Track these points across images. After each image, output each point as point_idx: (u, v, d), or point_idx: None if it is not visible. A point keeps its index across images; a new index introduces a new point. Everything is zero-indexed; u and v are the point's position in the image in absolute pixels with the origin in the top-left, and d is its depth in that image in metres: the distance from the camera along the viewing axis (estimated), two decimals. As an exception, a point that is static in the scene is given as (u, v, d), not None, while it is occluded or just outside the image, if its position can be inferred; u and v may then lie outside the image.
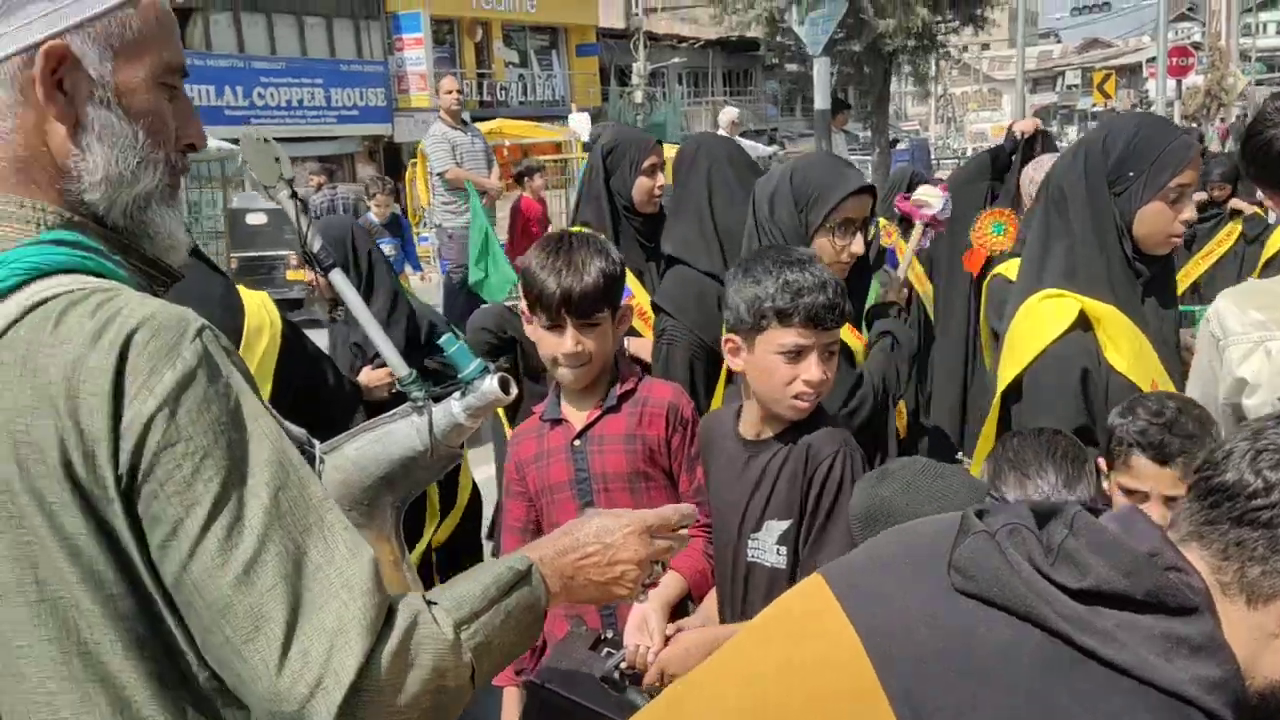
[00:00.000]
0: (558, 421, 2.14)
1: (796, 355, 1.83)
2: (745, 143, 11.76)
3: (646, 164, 3.27)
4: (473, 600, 1.06)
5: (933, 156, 30.04)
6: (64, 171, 1.07)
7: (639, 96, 31.65)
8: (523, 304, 2.15)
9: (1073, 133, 61.94)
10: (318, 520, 0.99)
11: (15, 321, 0.96)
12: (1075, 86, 72.49)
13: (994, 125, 58.80)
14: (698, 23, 37.92)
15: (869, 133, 15.08)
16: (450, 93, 7.83)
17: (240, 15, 23.90)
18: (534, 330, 2.13)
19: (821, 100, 12.14)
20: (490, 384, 1.41)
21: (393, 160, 27.00)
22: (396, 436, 1.40)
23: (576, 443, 2.11)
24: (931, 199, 2.87)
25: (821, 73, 12.18)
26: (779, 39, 14.47)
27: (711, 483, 1.99)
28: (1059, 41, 73.72)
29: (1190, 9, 53.96)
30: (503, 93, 29.11)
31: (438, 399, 1.42)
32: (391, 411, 1.46)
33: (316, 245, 1.58)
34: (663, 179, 3.34)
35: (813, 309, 1.82)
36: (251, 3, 23.95)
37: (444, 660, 0.99)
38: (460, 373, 1.39)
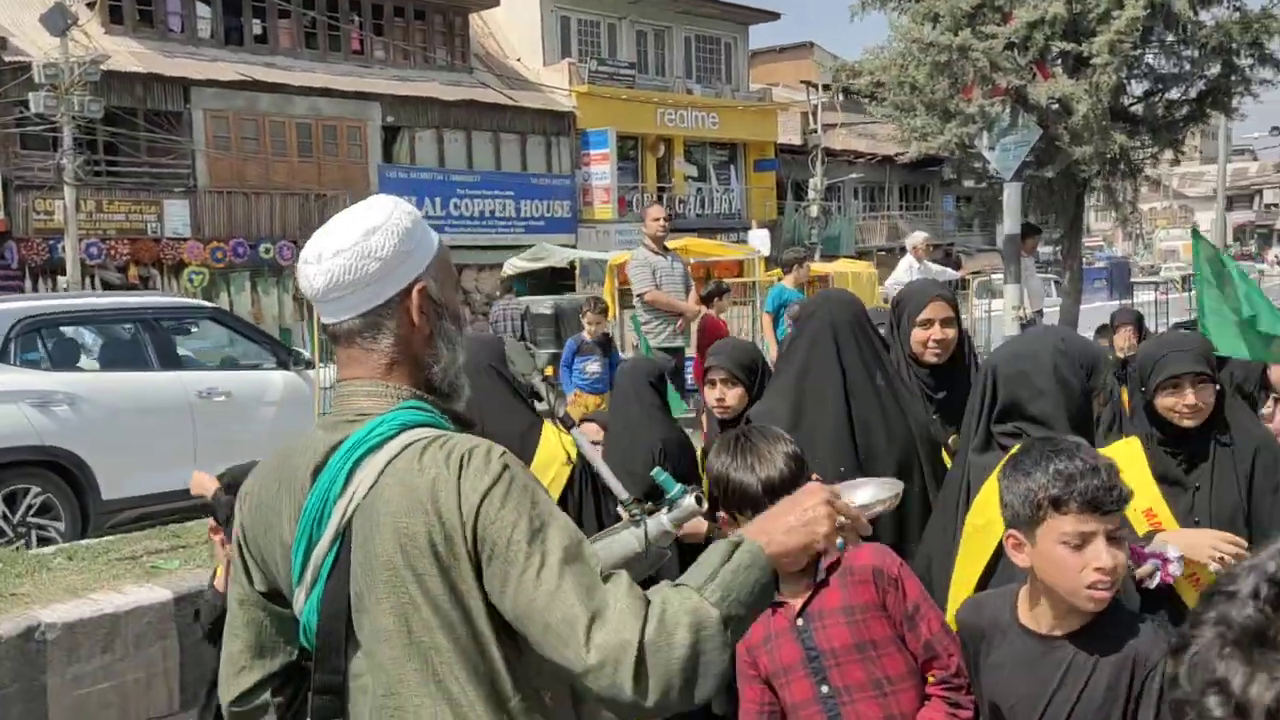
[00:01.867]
0: (778, 604, 2.15)
1: (1081, 543, 1.85)
2: (934, 267, 11.69)
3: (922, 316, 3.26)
4: (704, 573, 1.42)
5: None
6: (420, 363, 1.58)
7: (814, 210, 31.98)
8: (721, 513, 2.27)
9: (1271, 253, 58.79)
10: (594, 563, 1.42)
11: (395, 457, 1.46)
12: (1274, 206, 69.03)
13: (1184, 243, 56.52)
14: (875, 138, 38.20)
15: (1058, 255, 14.77)
16: (658, 220, 8.14)
17: (443, 133, 25.59)
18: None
19: (1011, 225, 11.97)
20: (689, 500, 1.74)
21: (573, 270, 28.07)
22: (621, 540, 1.78)
23: (799, 621, 2.15)
24: (1171, 555, 2.56)
25: (1012, 198, 12.04)
26: (957, 154, 14.38)
27: (987, 673, 2.01)
28: (1255, 159, 70.63)
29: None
30: (681, 205, 29.90)
31: (650, 513, 1.78)
32: (614, 525, 1.86)
33: (561, 411, 1.98)
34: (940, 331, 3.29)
35: (1088, 492, 1.85)
36: (452, 121, 25.61)
37: (697, 615, 1.36)
38: (667, 493, 1.74)
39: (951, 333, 3.24)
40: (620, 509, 1.79)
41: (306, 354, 8.63)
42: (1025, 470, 1.91)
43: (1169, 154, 14.55)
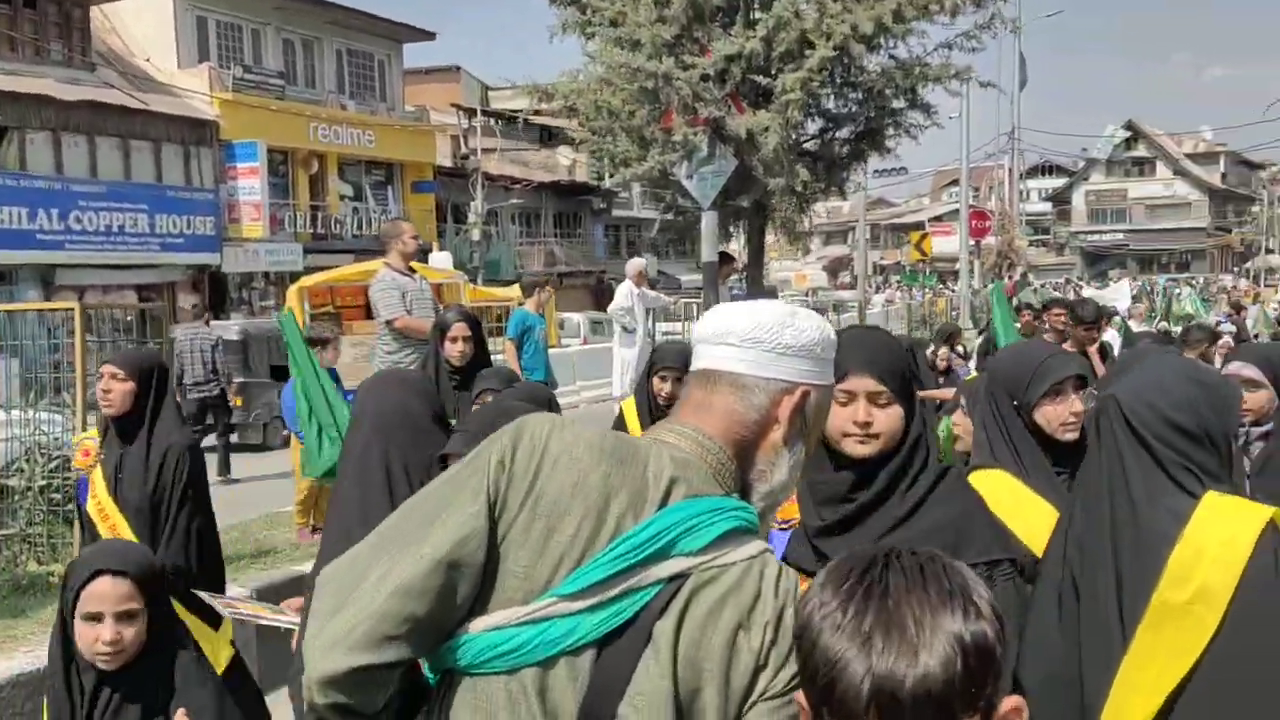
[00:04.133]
0: None
1: None
2: (650, 293, 11.70)
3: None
4: None
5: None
6: (756, 462, 1.44)
7: (476, 235, 31.61)
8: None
9: (866, 283, 66.36)
10: None
11: (754, 557, 1.32)
12: (866, 240, 78.02)
13: (795, 273, 62.30)
14: (527, 165, 38.59)
15: (743, 282, 15.43)
16: (415, 238, 7.36)
17: (60, 136, 22.41)
18: None
19: (709, 253, 12.33)
20: None
21: (218, 290, 25.64)
22: None
23: None
24: None
25: (709, 227, 12.39)
26: (604, 185, 14.66)
27: None
28: (844, 199, 79.56)
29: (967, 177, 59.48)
30: (337, 226, 28.38)
31: None
32: None
33: None
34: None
35: None
36: (72, 124, 22.51)
37: None
38: None
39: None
40: None
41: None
42: None
43: (835, 190, 15.68)
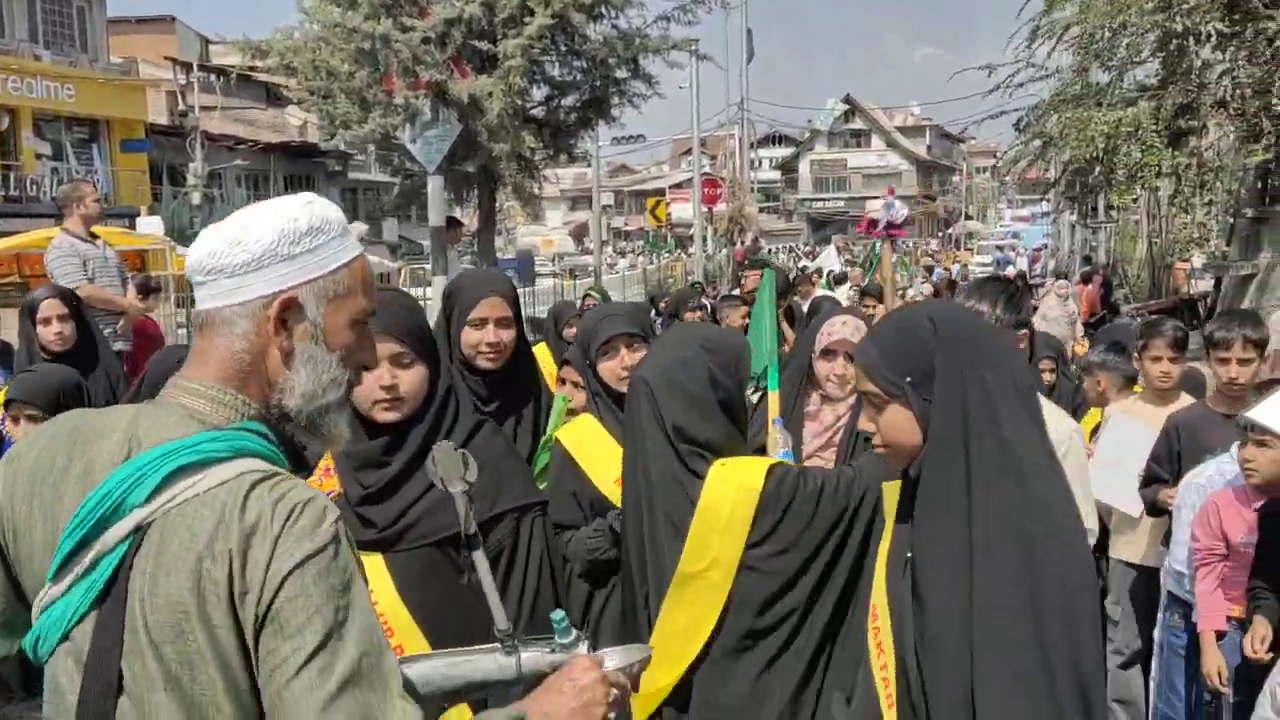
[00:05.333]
0: None
1: None
2: (371, 259, 11.51)
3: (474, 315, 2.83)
4: None
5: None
6: (273, 384, 1.43)
7: (196, 198, 29.71)
8: None
9: (609, 248, 67.51)
10: (383, 684, 1.28)
11: (220, 485, 1.29)
12: (609, 206, 79.23)
13: (543, 238, 62.55)
14: (254, 124, 36.55)
15: (473, 248, 15.43)
16: (97, 200, 6.88)
17: None
18: None
19: (436, 218, 12.26)
20: (582, 649, 1.70)
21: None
22: (478, 663, 1.72)
23: None
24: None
25: (436, 191, 12.33)
26: (344, 146, 14.35)
27: None
28: (588, 165, 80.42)
29: (702, 144, 61.59)
30: (34, 187, 25.87)
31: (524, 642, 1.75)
32: (473, 647, 1.76)
33: (472, 529, 1.82)
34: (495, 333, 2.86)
35: None
36: None
37: None
38: (558, 634, 1.70)
39: (508, 335, 2.81)
40: (496, 633, 1.72)
41: None
42: None
43: (564, 157, 15.91)
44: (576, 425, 2.83)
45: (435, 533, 2.13)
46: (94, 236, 7.03)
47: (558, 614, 1.70)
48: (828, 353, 3.08)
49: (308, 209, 1.43)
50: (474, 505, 1.86)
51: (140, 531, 1.29)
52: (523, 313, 3.04)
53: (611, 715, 1.54)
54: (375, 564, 2.04)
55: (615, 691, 1.54)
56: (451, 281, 3.24)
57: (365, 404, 2.11)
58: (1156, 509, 3.74)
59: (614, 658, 1.67)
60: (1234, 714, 3.23)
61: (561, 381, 3.58)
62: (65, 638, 1.32)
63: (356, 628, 1.27)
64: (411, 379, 2.14)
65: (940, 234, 69.89)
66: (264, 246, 1.39)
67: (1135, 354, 4.24)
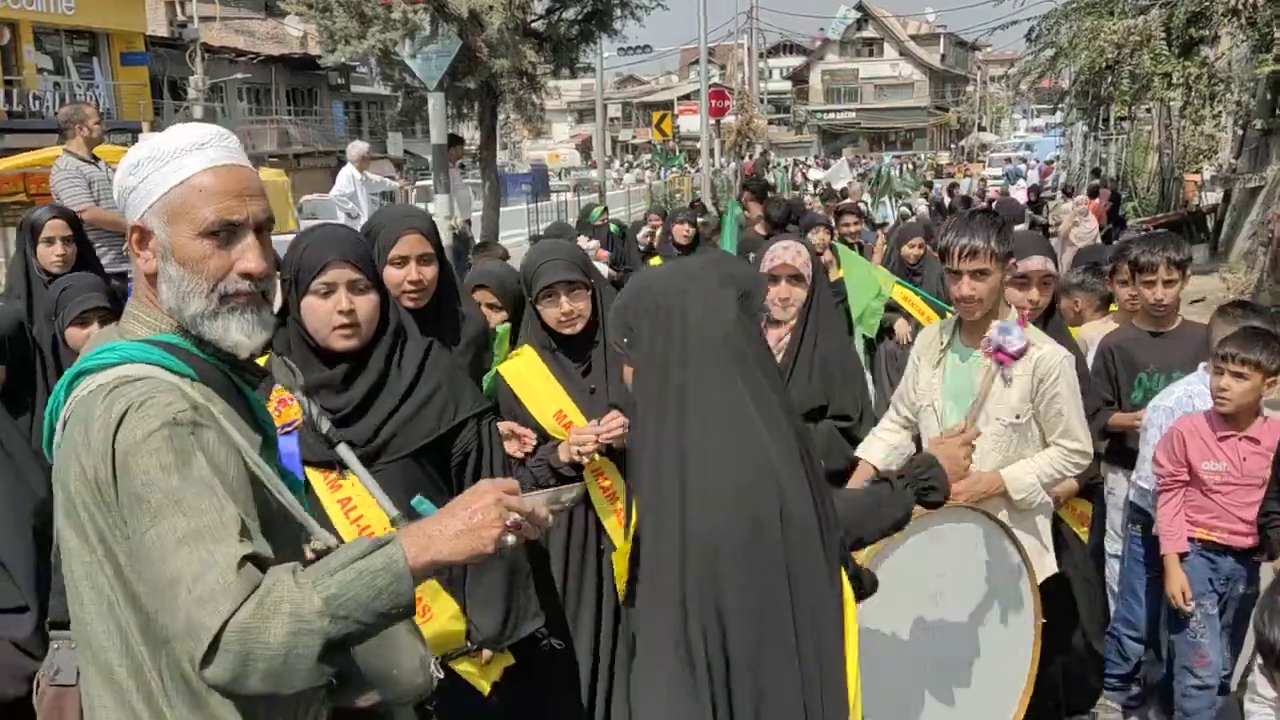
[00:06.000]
0: None
1: None
2: (375, 178, 11.52)
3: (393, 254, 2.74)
4: (334, 563, 1.40)
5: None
6: (158, 302, 1.60)
7: (198, 112, 29.45)
8: None
9: (616, 162, 66.91)
10: (215, 534, 1.38)
11: (94, 389, 1.49)
12: (616, 119, 78.23)
13: (550, 153, 61.97)
14: (254, 35, 36.05)
15: (478, 165, 15.38)
16: (99, 121, 6.91)
17: None
18: None
19: (438, 135, 12.19)
20: None
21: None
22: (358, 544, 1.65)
23: None
24: (1010, 336, 2.88)
25: (437, 108, 12.23)
26: (343, 61, 14.20)
27: None
28: (575, 79, 78.97)
29: (710, 54, 60.53)
30: (36, 102, 25.73)
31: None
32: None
33: (324, 427, 1.86)
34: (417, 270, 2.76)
35: None
36: None
37: (298, 609, 1.35)
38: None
39: (430, 271, 2.75)
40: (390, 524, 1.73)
41: None
42: None
43: (566, 70, 15.75)
44: (517, 360, 2.96)
45: (410, 444, 2.25)
46: (95, 158, 7.09)
47: (417, 499, 1.67)
48: (771, 278, 3.25)
49: (146, 141, 1.60)
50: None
51: (65, 425, 1.54)
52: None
53: (509, 539, 1.47)
54: (355, 482, 2.13)
55: (515, 516, 1.47)
56: (370, 219, 3.21)
57: (323, 330, 2.19)
58: (1106, 432, 3.86)
59: (538, 496, 1.57)
60: (1207, 624, 3.42)
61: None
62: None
63: (198, 489, 1.41)
64: (367, 305, 2.21)
65: (952, 145, 68.98)
66: (119, 183, 1.58)
67: (1106, 276, 4.33)
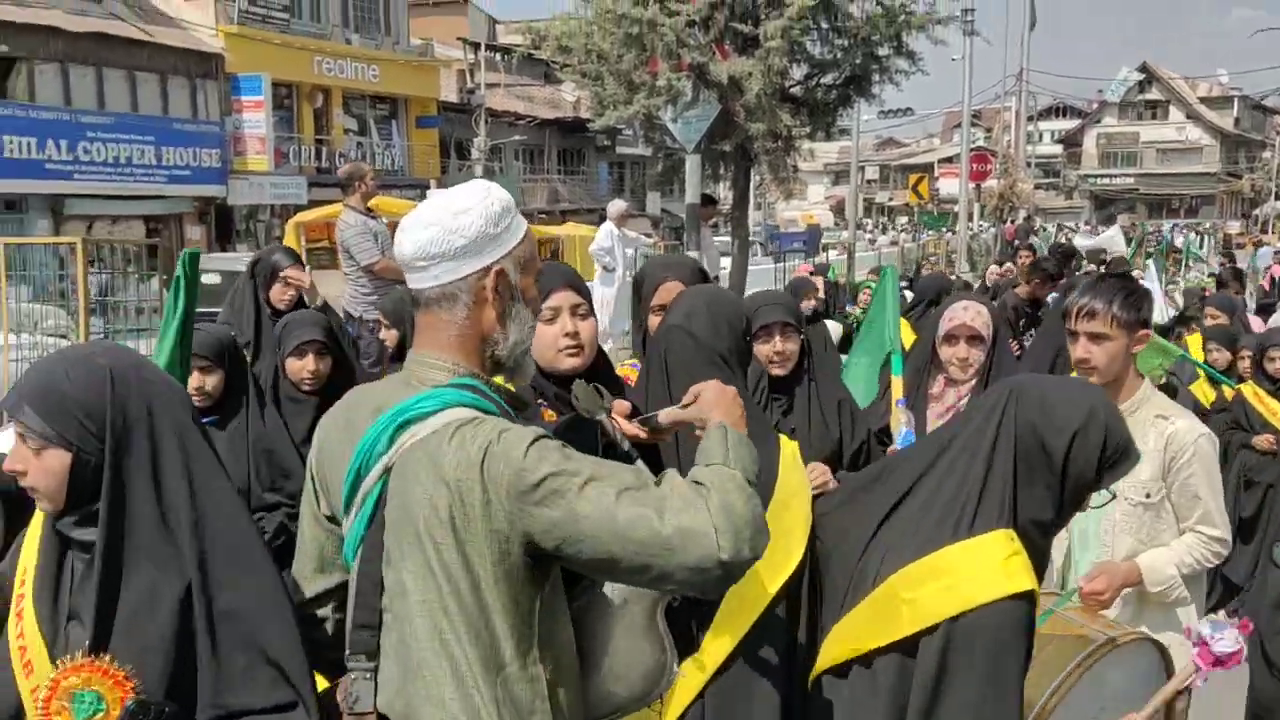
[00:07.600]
0: None
1: None
2: (631, 234, 12.16)
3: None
4: (718, 454, 1.66)
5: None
6: (488, 340, 1.76)
7: (479, 171, 31.87)
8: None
9: (870, 224, 66.17)
10: (641, 484, 1.58)
11: (433, 433, 1.62)
12: (874, 181, 77.60)
13: (804, 213, 62.18)
14: (532, 100, 38.63)
15: (729, 224, 15.81)
16: (374, 178, 7.77)
17: (68, 67, 22.72)
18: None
19: (692, 195, 12.70)
20: None
21: (224, 223, 26.09)
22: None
23: None
24: (1223, 635, 2.22)
25: (693, 169, 12.75)
26: (610, 125, 14.91)
27: None
28: (830, 141, 78.48)
29: (975, 116, 59.06)
30: (341, 160, 28.68)
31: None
32: None
33: (626, 446, 1.93)
34: None
35: None
36: (80, 55, 22.80)
37: (736, 479, 1.60)
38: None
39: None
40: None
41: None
42: None
43: (821, 134, 15.96)
44: None
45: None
46: (371, 212, 7.93)
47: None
48: (950, 338, 3.25)
49: (496, 195, 1.74)
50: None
51: (388, 472, 1.66)
52: None
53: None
54: None
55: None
56: (641, 267, 3.52)
57: (549, 352, 2.32)
58: None
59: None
60: None
61: None
62: (354, 555, 1.73)
63: (596, 468, 1.58)
64: (588, 328, 2.39)
65: (1244, 215, 63.68)
66: (477, 230, 1.69)
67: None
